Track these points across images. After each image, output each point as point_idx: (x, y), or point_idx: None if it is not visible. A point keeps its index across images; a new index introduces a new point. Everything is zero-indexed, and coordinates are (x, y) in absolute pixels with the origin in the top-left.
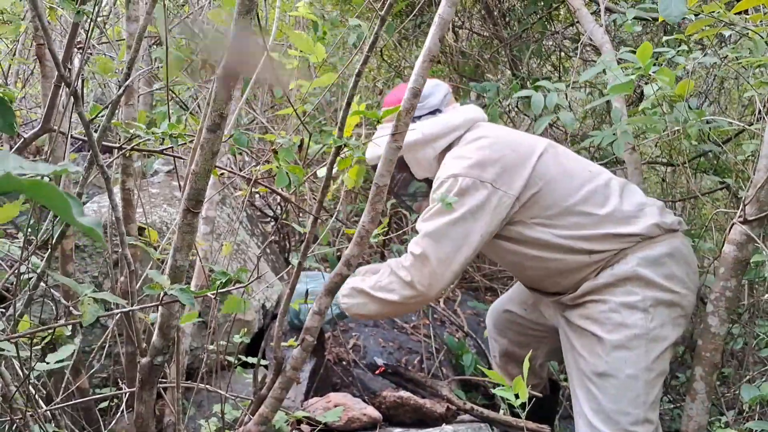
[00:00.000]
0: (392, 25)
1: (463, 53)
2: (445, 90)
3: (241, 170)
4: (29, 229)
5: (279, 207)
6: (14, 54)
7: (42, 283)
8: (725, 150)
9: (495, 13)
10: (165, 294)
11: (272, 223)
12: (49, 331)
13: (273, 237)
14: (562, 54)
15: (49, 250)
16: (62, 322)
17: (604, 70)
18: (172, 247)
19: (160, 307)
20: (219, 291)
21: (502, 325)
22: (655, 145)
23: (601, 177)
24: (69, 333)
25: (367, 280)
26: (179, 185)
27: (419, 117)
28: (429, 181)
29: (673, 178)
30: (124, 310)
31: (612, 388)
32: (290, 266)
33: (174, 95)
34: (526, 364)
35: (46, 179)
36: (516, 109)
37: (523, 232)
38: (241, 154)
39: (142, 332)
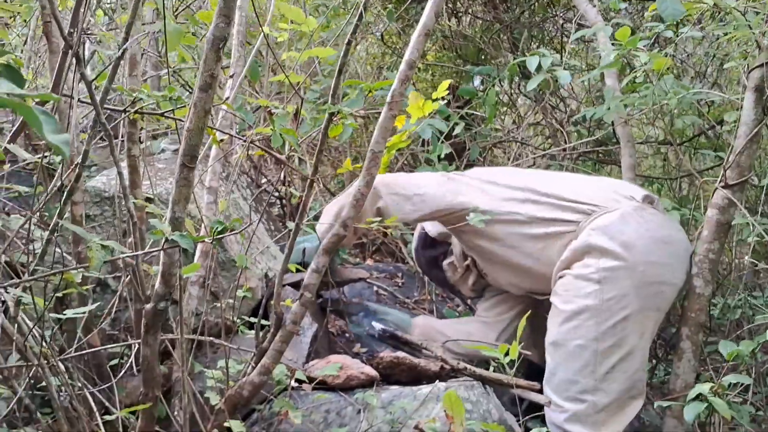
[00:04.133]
0: (392, 12)
1: (465, 37)
2: None
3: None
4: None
5: (282, 183)
6: (25, 42)
7: (54, 249)
8: (723, 122)
9: None
10: (167, 240)
11: (276, 202)
12: (62, 278)
13: (267, 206)
14: (563, 38)
15: (60, 204)
16: (71, 266)
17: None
18: (170, 200)
19: (162, 255)
20: (215, 237)
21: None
22: (653, 123)
23: (546, 172)
24: (79, 280)
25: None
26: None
27: None
28: (444, 242)
29: (676, 158)
30: (129, 254)
31: (561, 357)
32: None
33: (179, 77)
34: (521, 323)
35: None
36: (517, 92)
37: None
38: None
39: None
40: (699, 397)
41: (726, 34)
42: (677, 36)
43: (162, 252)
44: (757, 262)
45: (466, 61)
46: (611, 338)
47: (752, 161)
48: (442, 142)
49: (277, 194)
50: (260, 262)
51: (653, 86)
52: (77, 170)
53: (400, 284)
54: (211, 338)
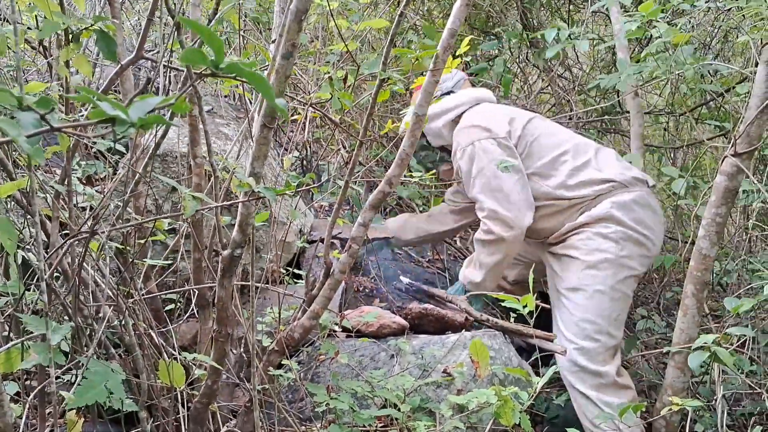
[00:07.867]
0: None
1: (475, 5)
2: (460, 77)
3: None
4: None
5: (304, 147)
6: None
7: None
8: (724, 94)
9: None
10: (252, 192)
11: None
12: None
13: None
14: (571, 7)
15: (147, 158)
16: (165, 214)
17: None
18: (251, 156)
19: (240, 206)
20: (298, 190)
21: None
22: (659, 94)
23: (579, 138)
24: (166, 227)
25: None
26: (245, 111)
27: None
28: (444, 149)
29: (676, 129)
30: (212, 205)
31: (581, 300)
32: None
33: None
34: (530, 277)
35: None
36: (525, 60)
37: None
38: None
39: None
40: (702, 348)
41: (740, 9)
42: (693, 6)
43: (240, 203)
44: (765, 226)
45: (475, 29)
46: (622, 289)
47: (762, 131)
48: None
49: (298, 155)
50: (296, 220)
51: (671, 56)
52: (164, 128)
53: None
54: (267, 285)
